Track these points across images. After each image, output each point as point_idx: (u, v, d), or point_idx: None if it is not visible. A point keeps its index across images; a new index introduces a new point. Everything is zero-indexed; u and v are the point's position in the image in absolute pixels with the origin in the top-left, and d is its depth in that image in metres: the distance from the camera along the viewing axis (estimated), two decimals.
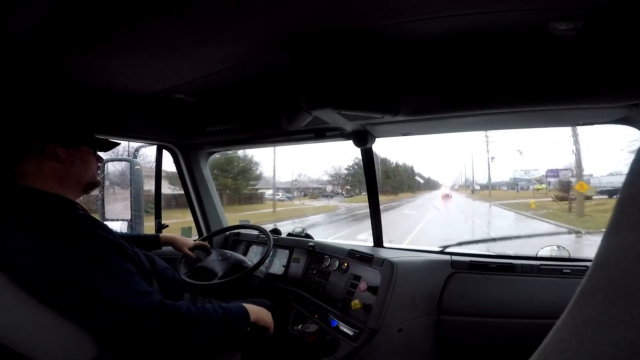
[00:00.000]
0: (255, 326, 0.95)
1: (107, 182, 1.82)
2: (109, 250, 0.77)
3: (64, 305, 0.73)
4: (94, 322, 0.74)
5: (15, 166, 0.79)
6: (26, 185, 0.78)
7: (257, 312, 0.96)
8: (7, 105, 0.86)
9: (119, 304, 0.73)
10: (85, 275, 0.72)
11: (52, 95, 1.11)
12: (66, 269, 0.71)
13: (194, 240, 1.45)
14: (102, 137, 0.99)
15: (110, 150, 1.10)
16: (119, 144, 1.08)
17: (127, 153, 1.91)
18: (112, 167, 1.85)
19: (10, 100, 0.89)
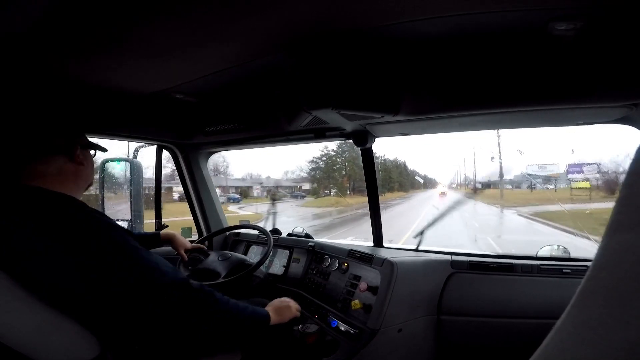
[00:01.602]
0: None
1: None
2: (129, 238, 0.79)
3: (90, 302, 0.74)
4: (143, 307, 0.76)
5: (40, 165, 0.79)
6: (41, 186, 0.78)
7: (278, 312, 1.00)
8: (20, 106, 0.89)
9: (156, 284, 0.75)
10: (120, 266, 0.74)
11: (70, 98, 1.12)
12: (97, 266, 0.72)
13: (193, 242, 1.45)
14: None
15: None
16: (106, 150, 1.09)
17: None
18: (111, 167, 1.85)
19: (25, 101, 0.91)
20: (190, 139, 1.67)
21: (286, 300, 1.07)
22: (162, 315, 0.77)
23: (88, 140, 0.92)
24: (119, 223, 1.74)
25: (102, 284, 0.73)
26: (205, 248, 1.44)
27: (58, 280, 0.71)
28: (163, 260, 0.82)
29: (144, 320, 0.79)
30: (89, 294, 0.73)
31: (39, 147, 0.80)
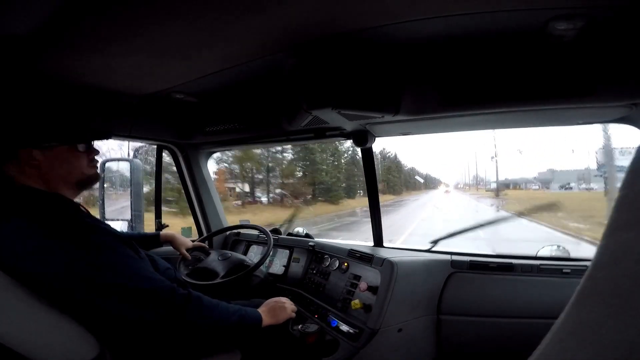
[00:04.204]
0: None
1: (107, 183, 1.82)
2: (117, 241, 0.79)
3: (83, 301, 0.74)
4: (116, 311, 0.76)
5: (5, 168, 0.78)
6: (31, 185, 0.78)
7: (272, 313, 0.99)
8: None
9: (142, 291, 0.75)
10: (102, 267, 0.73)
11: (46, 95, 1.07)
12: (81, 263, 0.72)
13: (194, 241, 1.45)
14: (88, 131, 0.91)
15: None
16: (108, 134, 0.99)
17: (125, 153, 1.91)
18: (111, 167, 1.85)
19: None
20: (190, 138, 1.67)
21: (282, 300, 1.06)
22: (146, 320, 0.77)
23: (49, 138, 0.81)
24: (119, 223, 1.75)
25: (91, 285, 0.73)
26: (207, 247, 1.45)
27: (72, 276, 0.72)
28: (148, 267, 0.82)
29: (131, 324, 0.79)
30: (82, 294, 0.73)
31: None
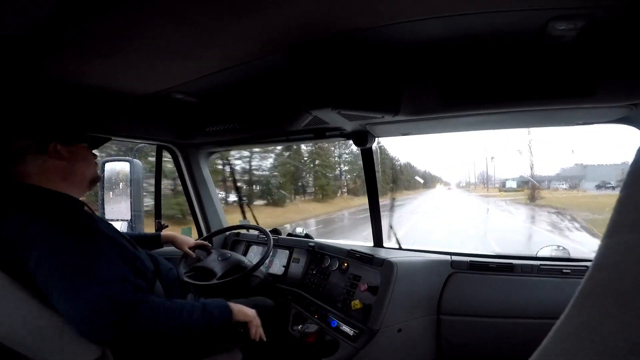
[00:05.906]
0: (245, 325, 0.96)
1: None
2: (109, 246, 0.80)
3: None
4: (63, 311, 0.72)
5: (19, 166, 0.80)
6: (35, 184, 0.80)
7: (239, 307, 0.95)
8: (5, 107, 0.87)
9: (104, 295, 0.72)
10: (80, 266, 0.73)
11: (49, 95, 1.11)
12: (70, 256, 0.73)
13: (195, 240, 1.45)
14: (93, 134, 1.03)
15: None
16: (109, 139, 1.11)
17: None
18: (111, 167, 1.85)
19: (7, 102, 0.90)
20: (191, 138, 1.67)
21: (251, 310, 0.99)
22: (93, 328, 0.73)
23: (75, 135, 0.91)
24: (119, 223, 1.75)
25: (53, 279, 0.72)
26: (209, 245, 1.45)
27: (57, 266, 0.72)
28: (127, 275, 0.79)
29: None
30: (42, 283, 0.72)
31: (5, 151, 0.80)
